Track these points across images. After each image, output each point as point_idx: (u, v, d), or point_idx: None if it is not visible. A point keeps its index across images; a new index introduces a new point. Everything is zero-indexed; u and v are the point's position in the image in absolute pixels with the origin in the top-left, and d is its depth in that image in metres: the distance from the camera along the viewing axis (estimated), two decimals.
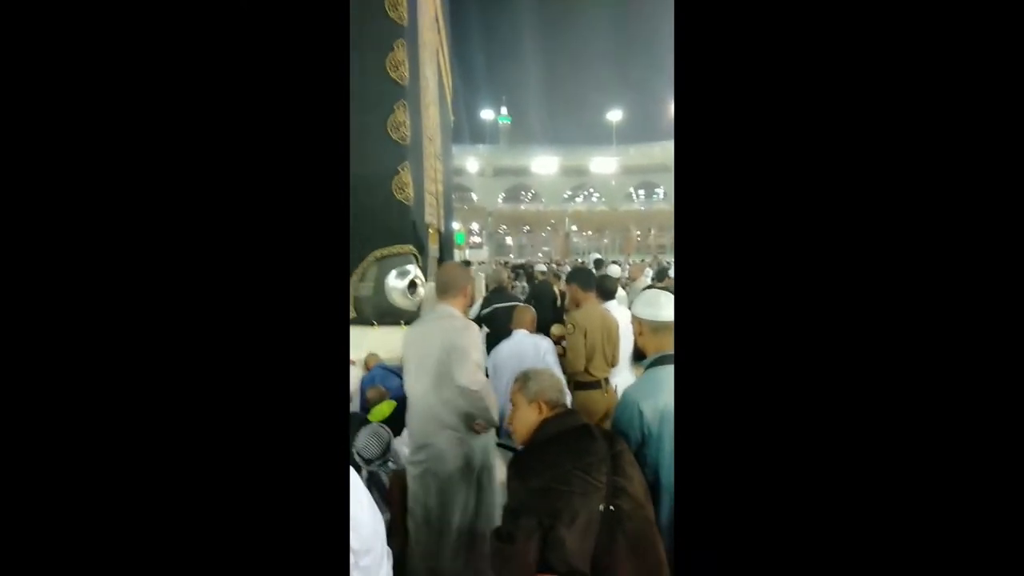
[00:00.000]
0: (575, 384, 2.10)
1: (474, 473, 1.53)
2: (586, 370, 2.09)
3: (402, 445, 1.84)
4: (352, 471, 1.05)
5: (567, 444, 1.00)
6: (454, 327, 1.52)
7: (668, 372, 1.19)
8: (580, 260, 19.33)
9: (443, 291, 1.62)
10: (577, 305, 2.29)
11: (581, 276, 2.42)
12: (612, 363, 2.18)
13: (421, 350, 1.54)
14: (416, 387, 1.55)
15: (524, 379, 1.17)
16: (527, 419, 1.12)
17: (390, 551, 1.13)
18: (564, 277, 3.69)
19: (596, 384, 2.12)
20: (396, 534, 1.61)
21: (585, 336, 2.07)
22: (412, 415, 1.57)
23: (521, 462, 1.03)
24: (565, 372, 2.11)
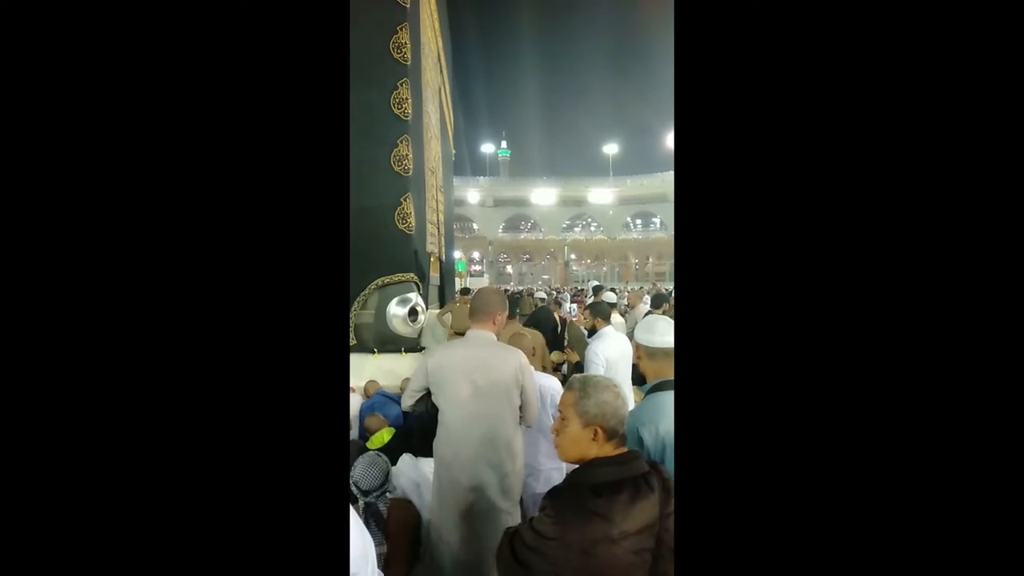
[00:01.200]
0: None
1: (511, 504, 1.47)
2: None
3: (399, 474, 1.83)
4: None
5: (621, 500, 0.84)
6: (514, 363, 1.47)
7: (668, 397, 1.21)
8: (579, 287, 19.39)
9: (477, 315, 1.56)
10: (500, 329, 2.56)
11: (505, 304, 2.71)
12: (546, 370, 2.50)
13: (464, 376, 1.45)
14: (455, 412, 1.46)
15: (583, 390, 0.94)
16: (579, 441, 0.93)
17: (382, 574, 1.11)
18: (563, 304, 3.76)
19: None
20: (396, 563, 1.58)
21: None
22: (446, 442, 1.48)
23: (562, 501, 0.88)
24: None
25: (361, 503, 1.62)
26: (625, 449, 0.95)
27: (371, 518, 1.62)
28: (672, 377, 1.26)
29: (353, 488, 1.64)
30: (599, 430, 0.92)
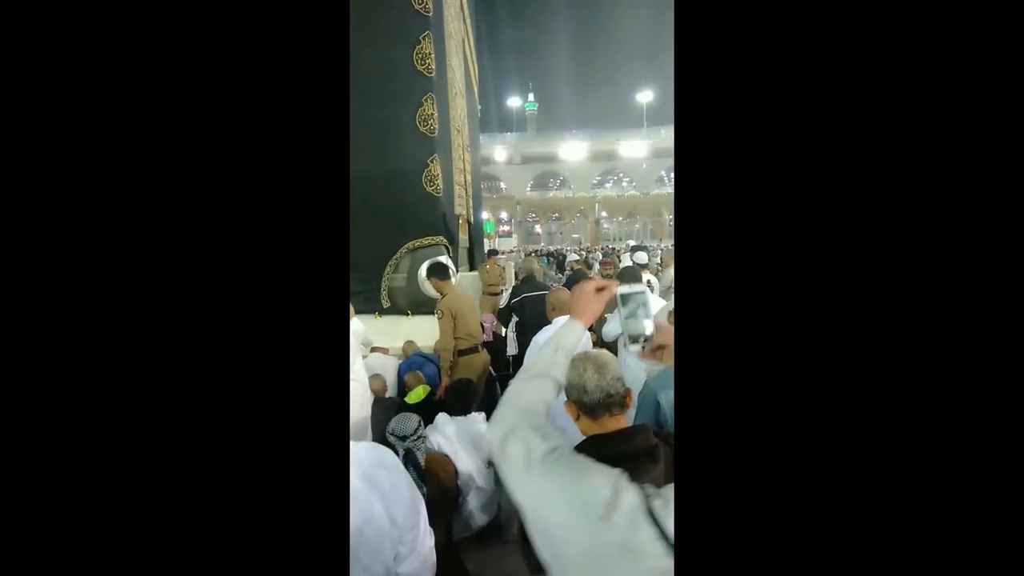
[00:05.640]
0: (459, 352, 2.59)
1: None
2: (469, 335, 2.60)
3: (435, 431, 1.92)
4: (388, 452, 1.11)
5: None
6: None
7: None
8: (611, 246, 19.00)
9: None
10: (441, 294, 2.71)
11: (437, 269, 2.78)
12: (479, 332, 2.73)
13: None
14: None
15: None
16: (572, 419, 0.89)
17: (432, 531, 1.19)
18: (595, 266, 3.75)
19: (475, 349, 2.65)
20: (436, 513, 1.70)
21: (455, 318, 2.54)
22: None
23: None
24: (442, 348, 2.59)
25: (401, 451, 1.72)
26: (625, 424, 0.87)
27: (410, 464, 1.73)
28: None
29: (391, 438, 1.75)
30: (572, 406, 0.87)
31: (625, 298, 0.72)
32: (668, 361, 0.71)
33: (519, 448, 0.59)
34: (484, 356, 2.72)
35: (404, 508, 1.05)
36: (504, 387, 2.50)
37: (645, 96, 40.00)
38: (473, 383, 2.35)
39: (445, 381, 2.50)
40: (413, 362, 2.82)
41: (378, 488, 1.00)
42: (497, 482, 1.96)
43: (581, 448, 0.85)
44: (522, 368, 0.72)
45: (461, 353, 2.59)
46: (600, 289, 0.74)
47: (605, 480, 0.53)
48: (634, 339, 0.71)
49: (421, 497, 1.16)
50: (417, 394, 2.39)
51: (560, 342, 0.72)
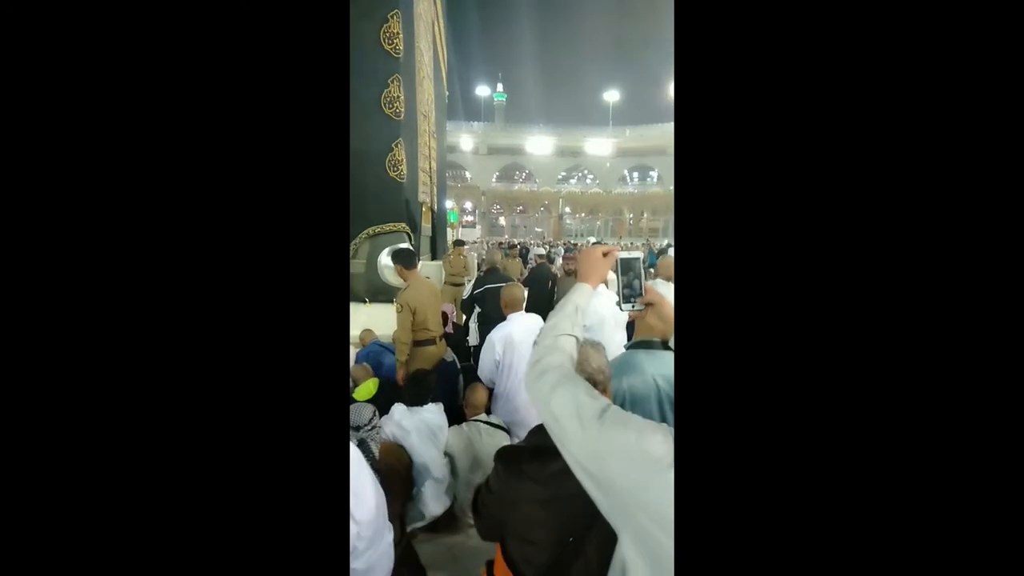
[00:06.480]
0: (415, 342, 2.53)
1: None
2: (425, 328, 2.53)
3: (390, 422, 1.89)
4: (354, 449, 1.08)
5: (555, 466, 0.80)
6: None
7: (641, 355, 1.26)
8: (573, 242, 19.29)
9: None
10: (404, 282, 2.60)
11: (403, 256, 2.65)
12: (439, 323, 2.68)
13: None
14: None
15: None
16: None
17: (391, 526, 1.17)
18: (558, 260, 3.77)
19: (432, 341, 2.60)
20: (390, 502, 1.67)
21: (414, 312, 2.45)
22: None
23: (505, 460, 0.90)
24: (399, 342, 2.49)
25: (355, 440, 1.68)
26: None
27: (364, 455, 1.69)
28: (653, 338, 1.30)
29: None
30: None
31: (624, 263, 0.84)
32: (651, 320, 0.85)
33: (568, 405, 0.63)
34: (440, 347, 2.70)
35: (364, 503, 1.02)
36: (467, 377, 2.50)
37: (612, 95, 40.70)
38: (431, 374, 2.31)
39: (401, 372, 2.45)
40: (371, 351, 2.75)
41: None
42: (452, 472, 1.95)
43: (538, 430, 0.91)
44: (546, 327, 0.77)
45: (417, 344, 2.56)
46: (605, 254, 0.83)
47: (663, 436, 0.58)
48: (627, 299, 0.84)
49: (383, 492, 1.14)
50: (367, 388, 2.24)
51: (577, 303, 0.79)
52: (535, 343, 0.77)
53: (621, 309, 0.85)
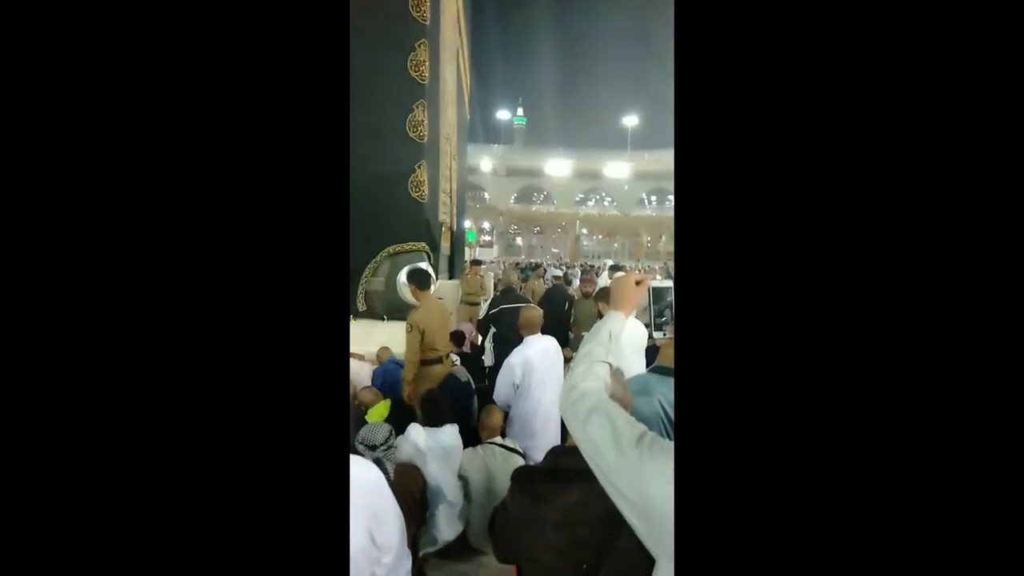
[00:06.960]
0: (423, 361, 2.54)
1: None
2: (433, 349, 2.55)
3: (406, 442, 1.88)
4: (375, 469, 1.07)
5: (570, 489, 0.83)
6: None
7: (650, 379, 1.30)
8: (590, 263, 19.30)
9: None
10: (417, 302, 2.64)
11: (418, 276, 2.71)
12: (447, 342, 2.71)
13: None
14: None
15: None
16: None
17: (410, 552, 1.14)
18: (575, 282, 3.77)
19: (439, 360, 2.63)
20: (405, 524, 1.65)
21: (423, 334, 2.48)
22: None
23: (521, 480, 0.90)
24: (407, 361, 2.52)
25: (370, 458, 1.67)
26: None
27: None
28: (668, 364, 1.31)
29: (359, 446, 1.69)
30: None
31: (657, 292, 0.86)
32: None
33: (605, 431, 0.63)
34: (447, 364, 2.72)
35: (386, 526, 1.01)
36: (483, 399, 2.47)
37: (631, 120, 41.14)
38: (440, 391, 2.30)
39: (407, 391, 2.44)
40: (387, 368, 2.77)
41: (359, 505, 0.97)
42: (466, 496, 1.92)
43: (554, 452, 0.94)
44: (580, 354, 0.78)
45: (424, 363, 2.58)
46: (638, 283, 0.84)
47: None
48: (659, 327, 0.85)
49: (403, 517, 1.12)
50: (378, 411, 2.20)
51: (611, 330, 0.80)
52: (570, 368, 0.77)
53: (652, 337, 0.86)
